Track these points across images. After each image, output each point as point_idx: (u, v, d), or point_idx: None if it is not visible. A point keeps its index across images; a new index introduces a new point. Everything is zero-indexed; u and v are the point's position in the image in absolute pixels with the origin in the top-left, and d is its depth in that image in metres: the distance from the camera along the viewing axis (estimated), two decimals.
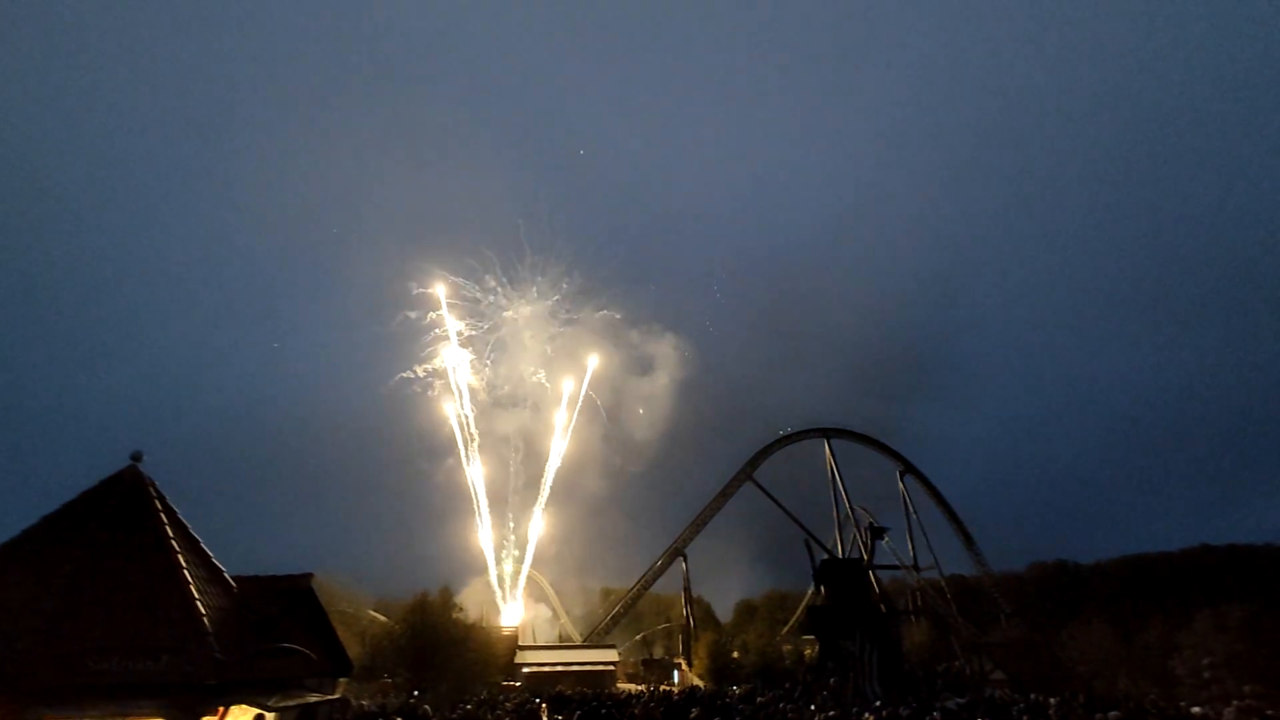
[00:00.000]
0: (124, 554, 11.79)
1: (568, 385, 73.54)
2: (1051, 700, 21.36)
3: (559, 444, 71.66)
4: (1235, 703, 19.20)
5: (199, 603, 11.70)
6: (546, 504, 72.57)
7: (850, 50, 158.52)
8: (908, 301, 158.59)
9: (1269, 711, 18.23)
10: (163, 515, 13.00)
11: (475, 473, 68.52)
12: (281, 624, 13.17)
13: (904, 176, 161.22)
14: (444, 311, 71.00)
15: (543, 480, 72.93)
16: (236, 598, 13.29)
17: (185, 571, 12.13)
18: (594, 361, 75.92)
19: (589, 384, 74.29)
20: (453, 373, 70.09)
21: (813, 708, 20.26)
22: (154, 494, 13.27)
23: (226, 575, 13.67)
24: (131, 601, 11.08)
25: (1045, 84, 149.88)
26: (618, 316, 78.70)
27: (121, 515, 12.45)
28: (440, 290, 71.48)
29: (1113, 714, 17.37)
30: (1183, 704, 23.44)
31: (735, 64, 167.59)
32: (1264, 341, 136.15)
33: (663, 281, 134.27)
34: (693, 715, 15.96)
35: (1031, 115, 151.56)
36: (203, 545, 13.63)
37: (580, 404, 73.71)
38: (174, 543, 12.56)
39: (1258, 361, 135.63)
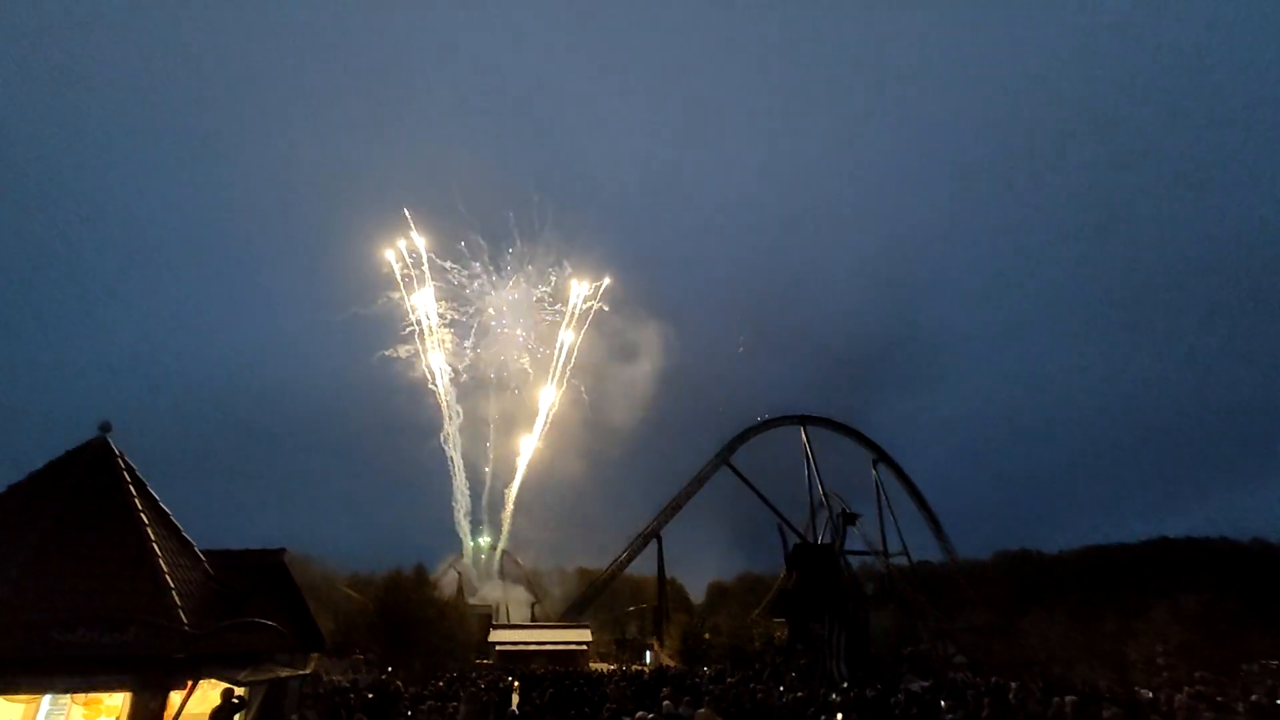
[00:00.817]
0: (91, 525, 11.58)
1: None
2: (1012, 684, 21.97)
3: (547, 395, 71.91)
4: (1186, 689, 19.86)
5: (168, 575, 11.55)
6: (525, 484, 72.74)
7: (826, 58, 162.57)
8: (880, 299, 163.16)
9: (1219, 697, 18.92)
10: (131, 487, 12.78)
11: (436, 361, 69.28)
12: (252, 598, 13.06)
13: (881, 177, 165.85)
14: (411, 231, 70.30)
15: (518, 458, 73.03)
16: (206, 571, 13.15)
17: (154, 544, 11.95)
18: (606, 281, 76.60)
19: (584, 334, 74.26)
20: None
21: (781, 689, 20.65)
22: (122, 465, 13.03)
23: (196, 549, 13.50)
24: (98, 573, 10.90)
25: (1013, 94, 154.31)
26: (605, 308, 78.61)
27: (89, 486, 12.21)
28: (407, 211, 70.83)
29: (1070, 698, 17.91)
30: (1137, 689, 24.26)
31: (719, 64, 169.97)
32: (1221, 342, 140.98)
33: (647, 272, 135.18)
34: (663, 694, 16.17)
35: (1001, 122, 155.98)
36: (172, 518, 13.44)
37: (570, 362, 73.88)
38: (142, 515, 12.37)
39: (1216, 362, 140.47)
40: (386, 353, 72.58)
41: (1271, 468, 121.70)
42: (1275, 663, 43.46)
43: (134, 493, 12.63)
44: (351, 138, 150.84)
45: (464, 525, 71.38)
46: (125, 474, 12.87)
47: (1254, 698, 17.98)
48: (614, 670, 37.28)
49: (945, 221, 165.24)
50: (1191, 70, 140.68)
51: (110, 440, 13.29)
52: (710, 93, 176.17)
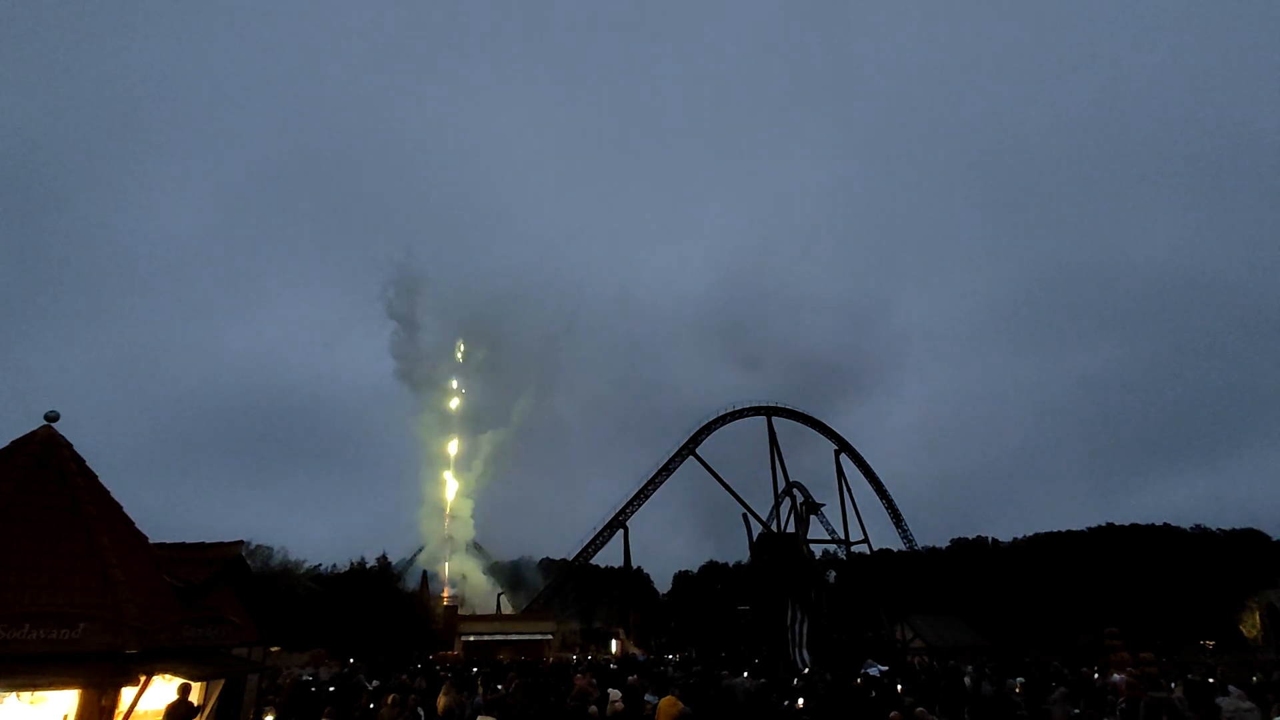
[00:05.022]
0: (36, 517, 11.15)
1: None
2: (967, 667, 22.68)
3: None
4: (1129, 669, 20.74)
5: (118, 569, 11.20)
6: (493, 476, 72.31)
7: (801, 97, 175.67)
8: (842, 315, 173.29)
9: (1160, 676, 19.81)
10: (79, 478, 12.32)
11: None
12: (209, 592, 12.76)
13: (846, 210, 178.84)
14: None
15: (487, 450, 72.44)
16: (160, 565, 12.79)
17: (103, 537, 11.56)
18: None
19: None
20: None
21: (745, 674, 20.98)
22: (69, 455, 12.55)
23: (149, 542, 13.12)
24: (45, 567, 10.52)
25: (965, 144, 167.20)
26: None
27: (34, 477, 11.73)
28: None
29: (1019, 679, 18.59)
30: (1084, 669, 25.26)
31: (703, 107, 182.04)
32: (1157, 347, 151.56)
33: (626, 286, 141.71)
34: (630, 681, 16.30)
35: (953, 157, 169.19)
36: (124, 511, 13.02)
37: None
38: (91, 507, 11.94)
39: (1151, 365, 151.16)
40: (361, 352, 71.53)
41: (1209, 460, 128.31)
42: (1211, 643, 45.61)
43: (82, 485, 12.18)
44: (340, 149, 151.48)
45: (430, 516, 70.64)
46: (73, 464, 12.41)
47: (1190, 676, 18.86)
48: (580, 659, 37.42)
49: (900, 246, 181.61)
50: (1121, 108, 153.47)
51: (57, 430, 12.80)
52: (694, 133, 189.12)
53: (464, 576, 68.89)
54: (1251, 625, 51.43)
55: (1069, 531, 75.18)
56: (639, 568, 74.04)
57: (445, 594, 61.71)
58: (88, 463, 12.97)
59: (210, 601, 12.50)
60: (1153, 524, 72.65)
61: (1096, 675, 21.56)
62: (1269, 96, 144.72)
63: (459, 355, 74.79)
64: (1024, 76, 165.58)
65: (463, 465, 73.01)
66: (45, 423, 12.77)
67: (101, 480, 13.06)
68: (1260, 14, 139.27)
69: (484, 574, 70.67)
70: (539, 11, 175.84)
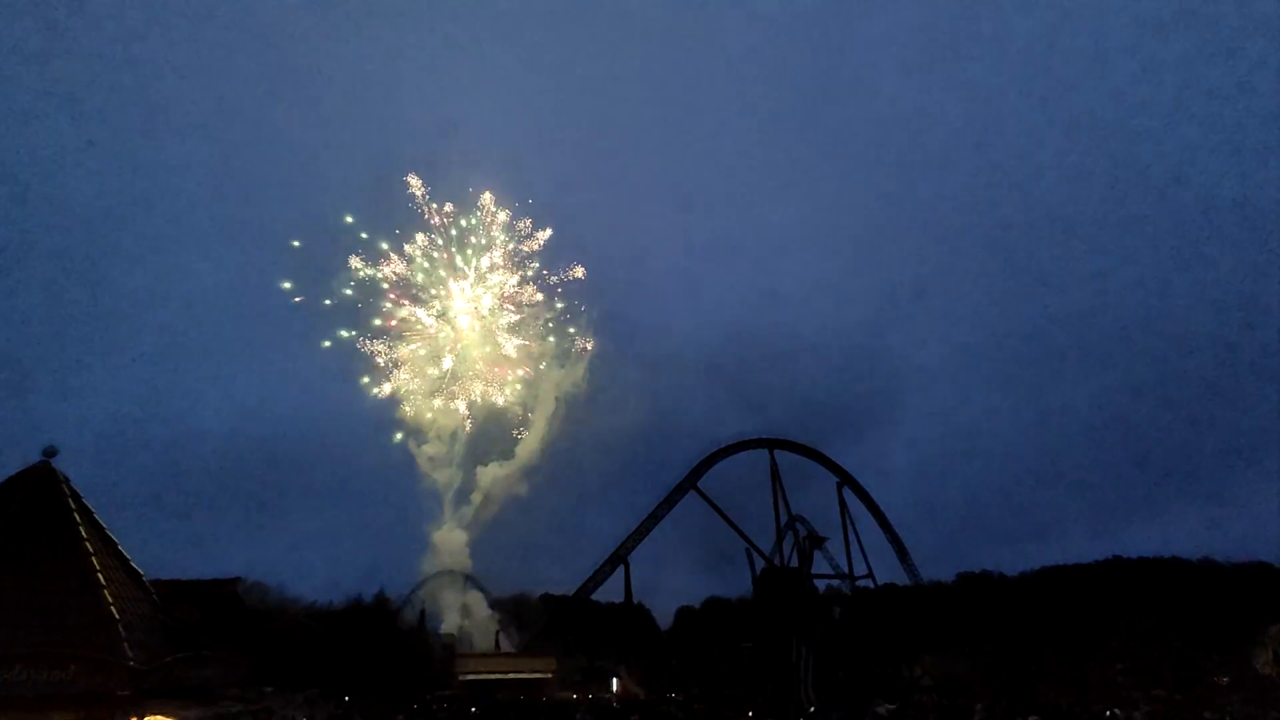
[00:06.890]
0: (32, 554, 11.03)
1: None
2: (977, 706, 22.19)
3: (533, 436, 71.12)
4: (1144, 707, 20.30)
5: (113, 607, 11.05)
6: (492, 510, 71.57)
7: (801, 148, 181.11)
8: (841, 351, 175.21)
9: (1173, 716, 19.33)
10: (76, 515, 12.24)
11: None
12: (203, 631, 12.57)
13: (844, 254, 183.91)
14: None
15: (486, 484, 71.90)
16: (155, 603, 12.62)
17: (99, 574, 11.43)
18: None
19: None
20: None
21: (750, 714, 20.50)
22: (67, 492, 12.47)
23: (145, 579, 12.97)
24: (39, 606, 10.37)
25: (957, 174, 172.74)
26: (588, 346, 78.21)
27: (31, 513, 11.64)
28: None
29: (1032, 718, 18.17)
30: (1096, 707, 24.67)
31: (702, 149, 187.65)
32: (1161, 380, 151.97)
33: (627, 326, 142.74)
34: None
35: (947, 203, 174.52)
36: (120, 547, 12.89)
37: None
38: (88, 544, 11.84)
39: (1159, 398, 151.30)
40: (362, 381, 71.10)
41: (1215, 492, 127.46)
42: (1225, 679, 44.67)
43: (79, 521, 12.10)
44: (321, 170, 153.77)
45: (428, 552, 69.82)
46: (70, 501, 12.33)
47: (1207, 715, 18.45)
48: (580, 699, 36.63)
49: (898, 287, 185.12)
50: (1100, 141, 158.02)
51: (55, 466, 12.75)
52: (693, 175, 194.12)
53: (465, 607, 67.86)
54: (1266, 662, 50.31)
55: (1077, 565, 74.12)
56: (640, 603, 72.77)
57: (443, 631, 60.68)
58: (85, 498, 12.93)
59: (205, 640, 12.30)
60: (1160, 557, 71.59)
61: (1109, 713, 21.08)
62: (1253, 144, 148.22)
63: (460, 387, 74.32)
64: (1019, 130, 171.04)
65: (462, 499, 72.31)
66: (43, 458, 12.73)
67: (99, 516, 12.98)
68: (1246, 70, 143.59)
69: (488, 608, 69.56)
70: (544, 64, 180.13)
